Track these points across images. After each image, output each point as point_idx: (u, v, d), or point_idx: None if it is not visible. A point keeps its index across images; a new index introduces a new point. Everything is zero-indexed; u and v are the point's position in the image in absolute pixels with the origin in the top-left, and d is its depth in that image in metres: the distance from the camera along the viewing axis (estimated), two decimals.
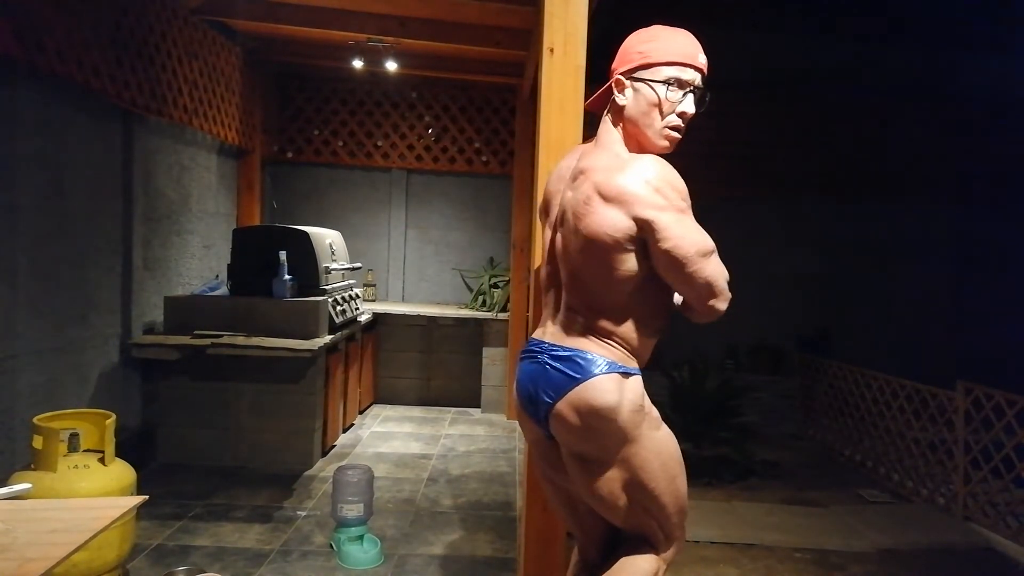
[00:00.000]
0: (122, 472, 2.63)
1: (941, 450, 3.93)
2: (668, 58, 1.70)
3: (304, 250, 4.20)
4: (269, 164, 5.71)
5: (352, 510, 3.03)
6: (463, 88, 5.89)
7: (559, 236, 1.79)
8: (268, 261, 4.07)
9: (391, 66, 5.08)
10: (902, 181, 5.97)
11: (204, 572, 2.72)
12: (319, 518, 3.42)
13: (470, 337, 5.78)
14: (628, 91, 1.74)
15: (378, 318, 5.59)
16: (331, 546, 3.09)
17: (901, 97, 5.84)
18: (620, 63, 1.77)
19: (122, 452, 2.72)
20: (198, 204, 4.65)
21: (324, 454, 4.38)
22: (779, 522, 3.58)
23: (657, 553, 1.82)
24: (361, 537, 3.03)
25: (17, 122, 2.99)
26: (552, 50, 2.16)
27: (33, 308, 3.09)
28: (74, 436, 2.56)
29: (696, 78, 1.72)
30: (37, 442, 2.46)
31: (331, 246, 4.57)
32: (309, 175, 5.98)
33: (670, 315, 1.83)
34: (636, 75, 1.73)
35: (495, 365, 5.63)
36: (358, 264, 5.07)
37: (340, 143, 5.91)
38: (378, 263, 6.07)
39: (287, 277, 4.04)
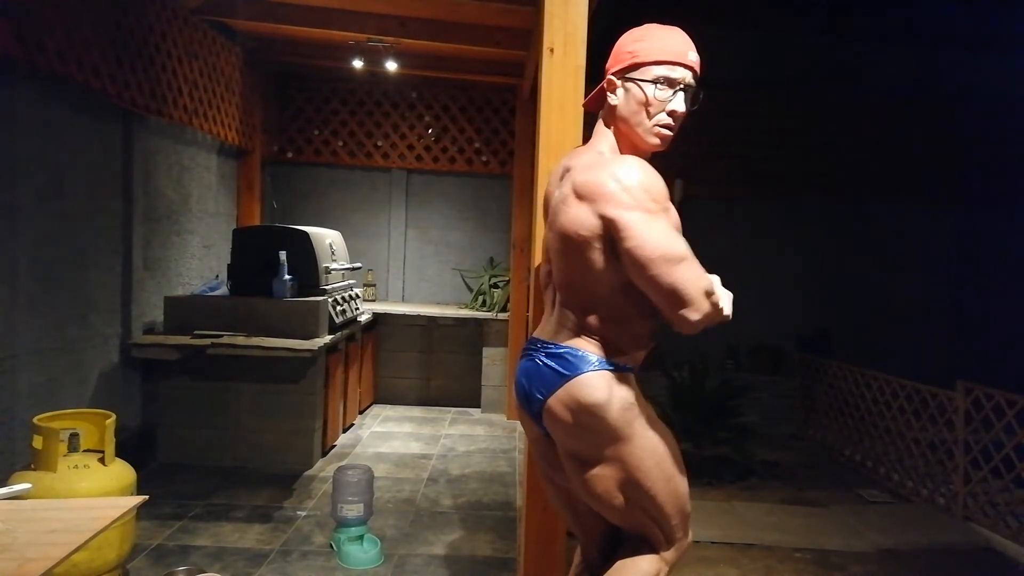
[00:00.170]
0: (122, 472, 2.63)
1: (941, 450, 3.93)
2: (657, 57, 1.70)
3: (304, 250, 4.20)
4: (269, 164, 5.71)
5: (352, 510, 3.03)
6: (463, 88, 5.89)
7: (550, 234, 1.81)
8: (268, 261, 4.07)
9: (391, 66, 5.08)
10: (902, 181, 5.97)
11: (204, 572, 2.72)
12: (319, 518, 3.42)
13: (470, 337, 5.78)
14: (619, 91, 1.75)
15: (378, 318, 5.59)
16: (331, 546, 3.09)
17: (901, 97, 5.84)
18: (612, 63, 1.78)
19: (122, 452, 2.72)
20: (198, 204, 4.65)
21: (324, 454, 4.38)
22: (779, 522, 3.58)
23: (658, 554, 1.81)
24: (361, 537, 3.04)
25: (17, 122, 2.99)
26: (552, 50, 2.17)
27: (33, 308, 3.09)
28: (74, 436, 2.56)
29: (686, 76, 1.71)
30: (37, 442, 2.46)
31: (331, 246, 4.57)
32: (309, 175, 5.98)
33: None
34: (627, 75, 1.73)
35: (495, 365, 5.63)
36: (358, 264, 5.07)
37: (340, 143, 5.91)
38: (378, 263, 6.07)
39: (287, 277, 4.04)
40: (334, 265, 4.47)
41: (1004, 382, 3.62)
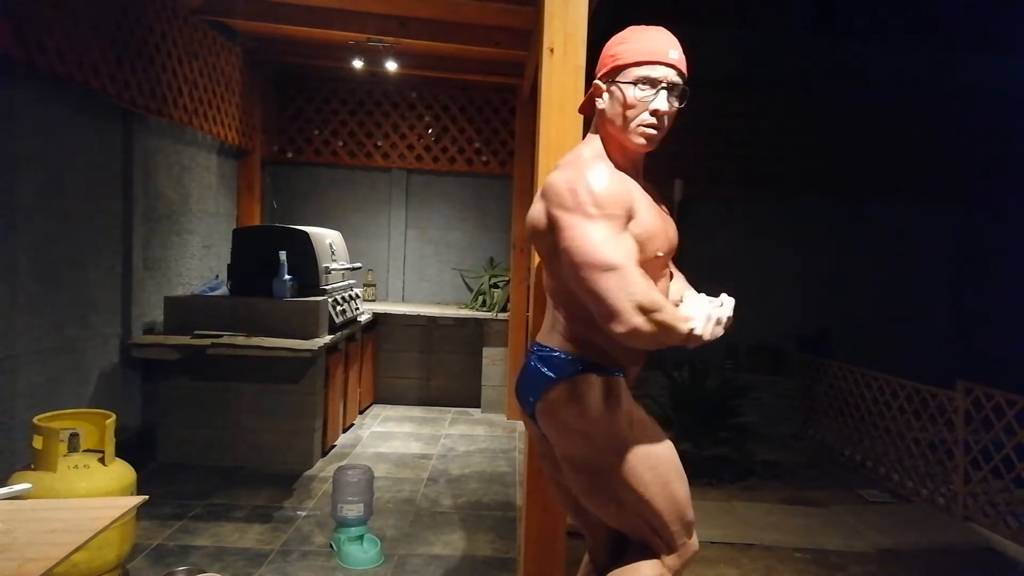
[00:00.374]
0: (122, 472, 2.63)
1: (941, 450, 3.93)
2: (636, 58, 1.71)
3: (304, 250, 4.20)
4: (269, 164, 5.71)
5: (352, 510, 3.03)
6: (463, 88, 5.89)
7: None
8: (268, 261, 4.07)
9: (391, 66, 5.08)
10: (902, 181, 5.97)
11: (204, 572, 2.72)
12: (319, 518, 3.42)
13: (470, 337, 5.78)
14: (605, 95, 1.77)
15: (378, 318, 5.58)
16: (331, 546, 3.09)
17: (901, 97, 5.84)
18: (598, 68, 1.81)
19: (122, 452, 2.72)
20: (198, 204, 4.65)
21: (324, 454, 4.38)
22: (779, 522, 3.58)
23: (660, 559, 1.80)
24: (361, 537, 3.03)
25: (17, 122, 2.99)
26: (552, 50, 2.17)
27: (33, 308, 3.09)
28: (74, 436, 2.56)
29: (668, 74, 1.70)
30: (37, 442, 2.46)
31: (331, 246, 4.57)
32: (309, 175, 5.98)
33: None
34: (611, 78, 1.75)
35: (495, 365, 5.63)
36: (358, 264, 5.07)
37: (340, 143, 5.91)
38: (378, 263, 6.07)
39: (287, 277, 4.04)
40: (334, 265, 4.47)
41: (1004, 382, 3.62)
